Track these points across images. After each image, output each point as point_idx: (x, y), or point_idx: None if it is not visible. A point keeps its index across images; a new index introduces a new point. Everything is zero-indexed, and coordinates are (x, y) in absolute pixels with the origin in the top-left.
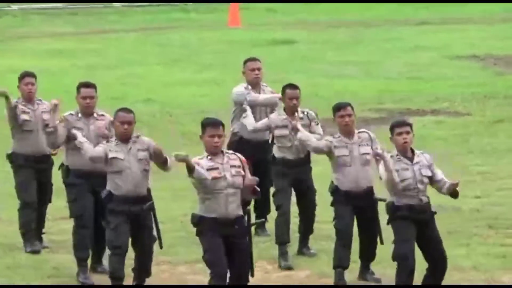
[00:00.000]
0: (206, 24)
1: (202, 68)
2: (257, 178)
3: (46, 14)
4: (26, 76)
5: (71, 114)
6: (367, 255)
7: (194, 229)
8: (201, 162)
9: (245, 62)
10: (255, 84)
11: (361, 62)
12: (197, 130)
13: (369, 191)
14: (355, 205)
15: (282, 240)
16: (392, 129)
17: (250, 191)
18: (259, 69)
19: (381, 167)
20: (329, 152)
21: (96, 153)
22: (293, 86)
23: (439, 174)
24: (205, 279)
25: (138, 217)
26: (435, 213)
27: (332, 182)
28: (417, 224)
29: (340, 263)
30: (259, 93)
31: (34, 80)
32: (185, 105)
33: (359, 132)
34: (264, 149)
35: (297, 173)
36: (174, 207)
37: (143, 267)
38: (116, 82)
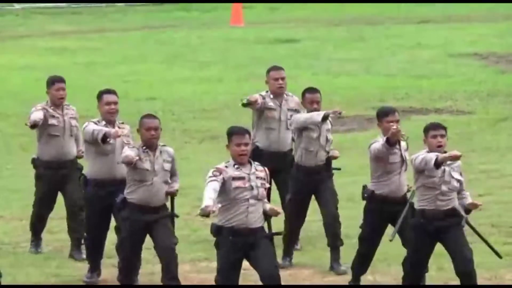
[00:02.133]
0: (208, 22)
1: (203, 66)
2: (280, 212)
3: (48, 13)
4: (56, 81)
5: (95, 123)
6: None
7: (199, 230)
8: (228, 170)
9: (268, 71)
10: (278, 94)
11: (362, 59)
12: (198, 127)
13: (405, 195)
14: (391, 211)
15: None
16: (426, 131)
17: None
18: (282, 78)
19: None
20: (385, 156)
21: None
22: (313, 90)
23: (462, 185)
24: (208, 278)
25: (152, 224)
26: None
27: (366, 187)
28: (435, 231)
29: (360, 268)
30: (280, 103)
31: (64, 85)
32: (186, 103)
33: None
34: (284, 159)
35: (317, 180)
36: (178, 205)
37: (167, 272)
38: (117, 80)
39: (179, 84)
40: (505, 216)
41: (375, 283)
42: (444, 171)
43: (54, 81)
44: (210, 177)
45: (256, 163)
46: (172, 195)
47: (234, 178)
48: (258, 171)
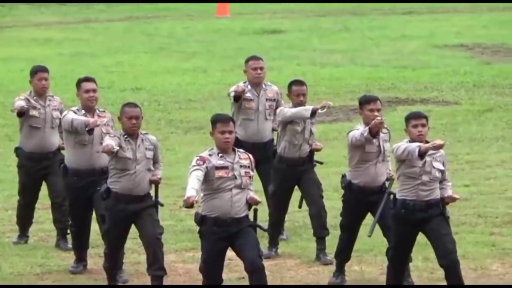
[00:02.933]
0: (193, 13)
1: (188, 56)
2: (259, 201)
3: (33, 3)
4: (39, 71)
5: (74, 112)
6: None
7: (184, 220)
8: (211, 159)
9: (247, 60)
10: (256, 84)
11: (347, 50)
12: (183, 117)
13: (383, 186)
14: (368, 201)
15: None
16: (407, 120)
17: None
18: (261, 68)
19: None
20: (361, 145)
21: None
22: (299, 82)
23: (445, 175)
24: (194, 268)
25: (137, 213)
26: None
27: (345, 176)
28: (417, 222)
29: (342, 256)
30: (259, 94)
31: (47, 75)
32: (171, 93)
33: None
34: (264, 150)
35: (301, 171)
36: (163, 195)
37: (153, 262)
38: (103, 71)
39: (164, 75)
40: (491, 206)
41: (361, 273)
42: (425, 161)
43: (37, 71)
44: (194, 166)
45: (241, 150)
46: (156, 183)
47: (217, 168)
48: (242, 159)
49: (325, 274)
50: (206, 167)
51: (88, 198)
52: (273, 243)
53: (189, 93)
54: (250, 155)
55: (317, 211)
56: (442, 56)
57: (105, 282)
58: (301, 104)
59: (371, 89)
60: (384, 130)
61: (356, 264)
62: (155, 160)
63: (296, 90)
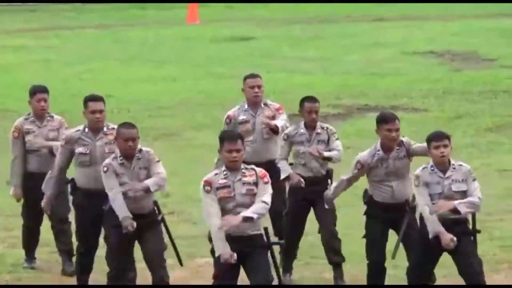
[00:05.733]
0: (164, 21)
1: (159, 64)
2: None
3: (4, 11)
4: (38, 92)
5: (78, 131)
6: None
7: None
8: (215, 179)
9: (245, 78)
10: (254, 103)
11: (318, 58)
12: (153, 125)
13: (405, 203)
14: (390, 217)
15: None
16: (429, 141)
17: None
18: (259, 86)
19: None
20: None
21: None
22: (312, 99)
23: (472, 190)
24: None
25: (141, 229)
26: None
27: (367, 191)
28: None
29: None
30: (255, 113)
31: (47, 95)
32: (142, 101)
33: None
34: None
35: (312, 192)
36: None
37: (156, 277)
38: (74, 78)
39: (135, 83)
40: None
41: (331, 281)
42: (443, 186)
43: (35, 92)
44: (204, 193)
45: (248, 167)
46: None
47: (219, 188)
48: (247, 176)
49: None
50: (213, 191)
51: (96, 218)
52: (287, 268)
53: (160, 101)
54: (258, 171)
55: (328, 238)
56: (413, 63)
57: None
58: (314, 121)
59: (342, 96)
60: (398, 148)
61: (328, 272)
62: (152, 174)
63: (308, 107)
